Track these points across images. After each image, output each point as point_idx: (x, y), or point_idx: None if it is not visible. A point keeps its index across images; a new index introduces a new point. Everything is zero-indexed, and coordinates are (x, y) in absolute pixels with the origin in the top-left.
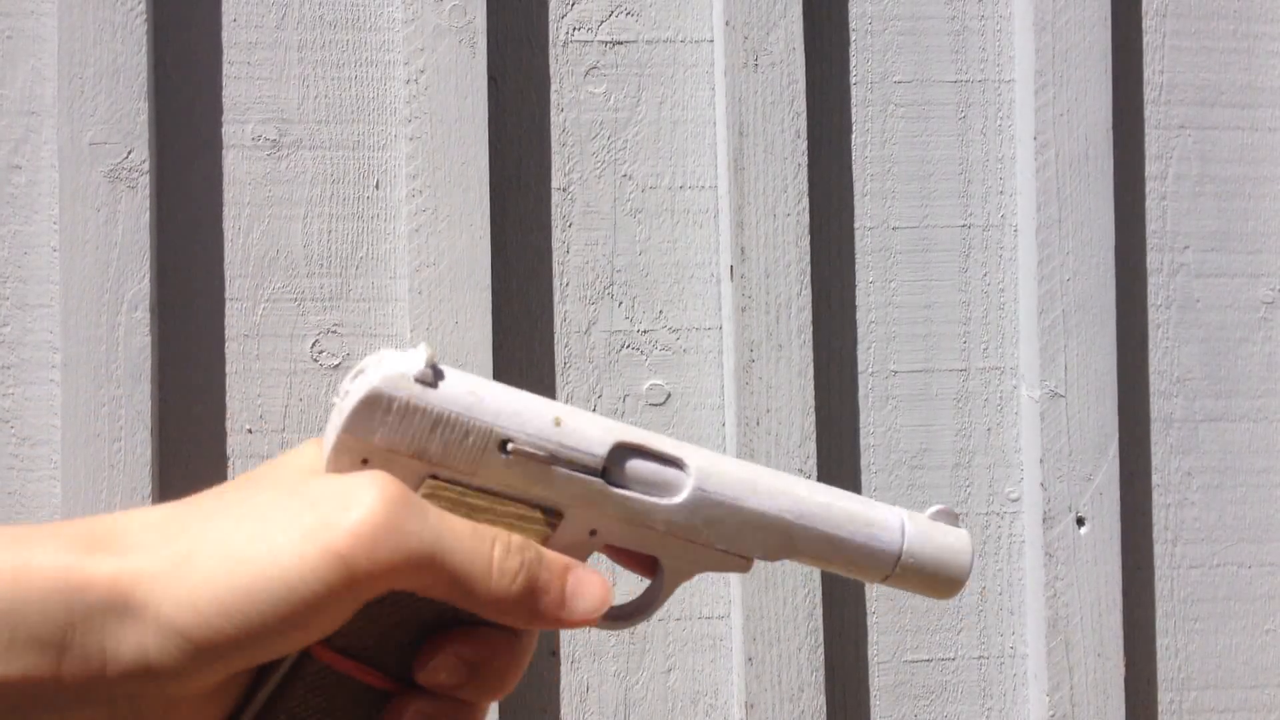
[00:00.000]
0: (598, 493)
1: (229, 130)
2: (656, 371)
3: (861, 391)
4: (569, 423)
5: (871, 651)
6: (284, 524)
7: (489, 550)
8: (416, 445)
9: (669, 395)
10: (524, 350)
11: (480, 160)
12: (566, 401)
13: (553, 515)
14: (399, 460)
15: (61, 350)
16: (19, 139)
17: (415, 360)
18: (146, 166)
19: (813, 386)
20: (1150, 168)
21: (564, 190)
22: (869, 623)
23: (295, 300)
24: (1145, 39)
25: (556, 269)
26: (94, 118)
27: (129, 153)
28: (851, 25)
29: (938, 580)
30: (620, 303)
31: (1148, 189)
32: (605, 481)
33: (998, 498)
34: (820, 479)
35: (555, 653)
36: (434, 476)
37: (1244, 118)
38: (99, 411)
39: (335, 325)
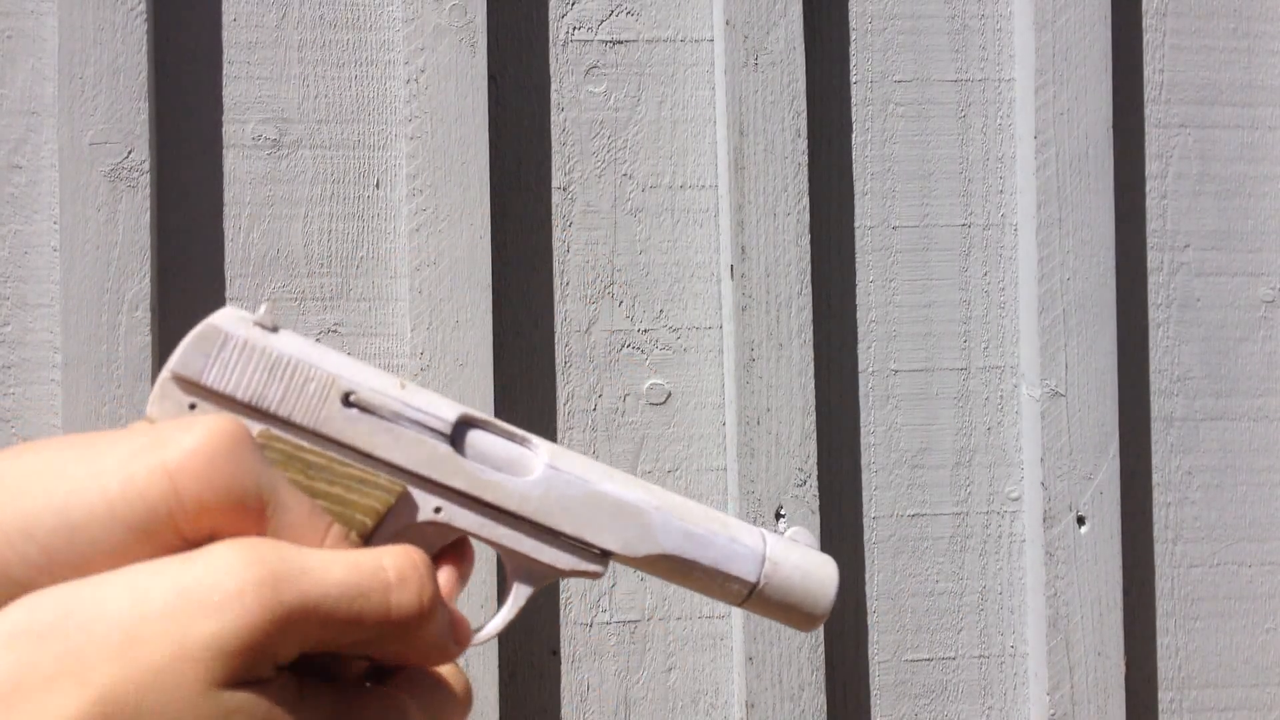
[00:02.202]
0: (446, 459)
1: (229, 130)
2: (657, 371)
3: (862, 391)
4: (413, 388)
5: (872, 650)
6: (111, 447)
7: (321, 531)
8: (252, 390)
9: (669, 394)
10: (524, 350)
11: (480, 160)
12: (566, 402)
13: (396, 482)
14: (231, 410)
15: (62, 350)
16: (19, 139)
17: (256, 313)
18: (147, 166)
19: (813, 386)
20: (1150, 166)
21: (564, 189)
22: (869, 622)
23: (295, 300)
24: (1145, 38)
25: (557, 268)
26: (94, 117)
27: (129, 152)
28: (852, 24)
29: (805, 598)
30: (620, 302)
31: (1148, 188)
32: (454, 451)
33: (998, 497)
34: (820, 478)
35: (555, 652)
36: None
37: (1244, 116)
38: (99, 411)
39: (336, 325)
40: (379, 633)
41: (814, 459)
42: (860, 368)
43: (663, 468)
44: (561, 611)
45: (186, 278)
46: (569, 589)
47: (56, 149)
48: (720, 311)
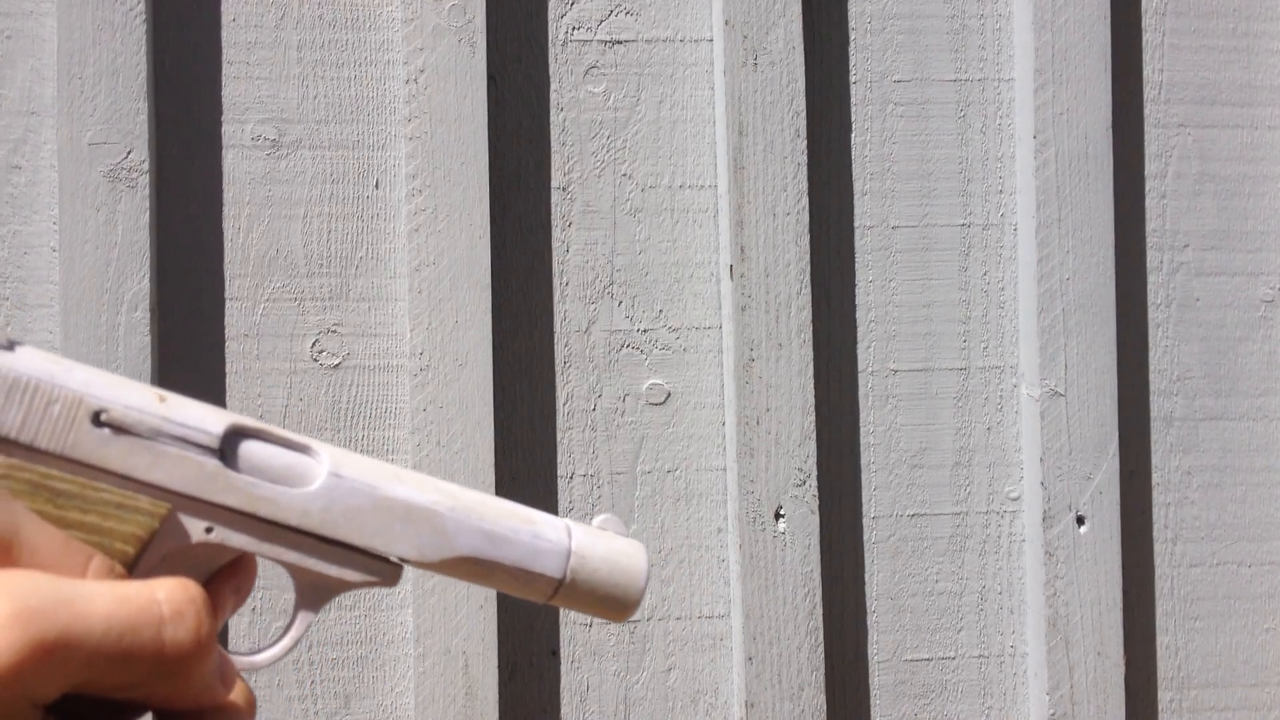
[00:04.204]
0: (214, 475)
1: (228, 130)
2: (656, 371)
3: (861, 390)
4: (175, 401)
5: (871, 650)
6: None
7: (81, 564)
8: None
9: (669, 394)
10: (524, 350)
11: (480, 160)
12: (566, 402)
13: (159, 504)
14: None
15: (61, 350)
16: (18, 139)
17: None
18: (146, 166)
19: (813, 385)
20: (1150, 166)
21: (563, 190)
22: (869, 621)
23: (295, 300)
24: (1145, 37)
25: (556, 268)
26: (93, 118)
27: (128, 152)
28: (851, 24)
29: (615, 590)
30: (620, 302)
31: (1147, 188)
32: (223, 465)
33: (998, 497)
34: (820, 478)
35: (555, 652)
36: (6, 455)
37: (1243, 116)
38: None
39: (335, 325)
40: (150, 671)
41: (813, 459)
42: (860, 367)
43: (662, 468)
44: (561, 612)
45: (186, 278)
46: None
47: (56, 149)
48: (720, 311)
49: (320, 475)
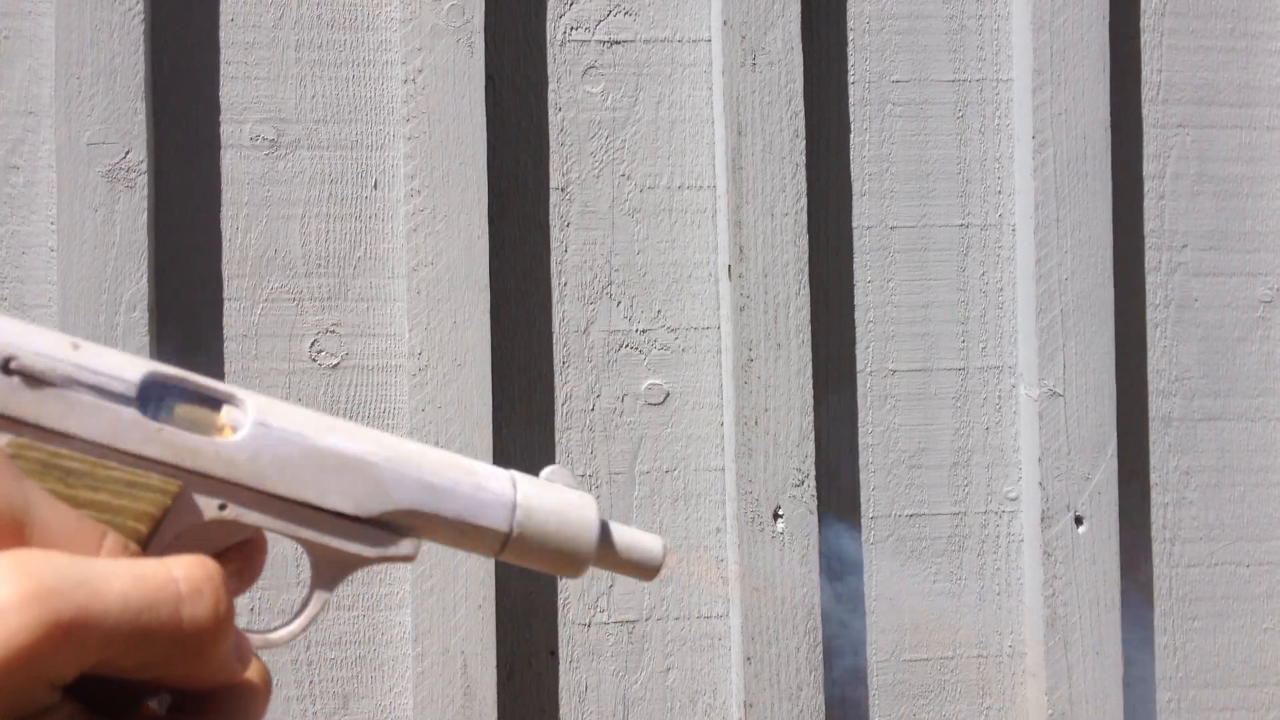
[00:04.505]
0: (132, 426)
1: (227, 130)
2: (655, 371)
3: (860, 391)
4: (90, 349)
5: (870, 650)
6: None
7: (95, 542)
8: None
9: (668, 394)
10: (522, 350)
11: (478, 160)
12: (565, 403)
13: (170, 482)
14: None
15: None
16: (16, 139)
17: None
18: (144, 166)
19: (811, 386)
20: (1148, 167)
21: (562, 190)
22: (868, 622)
23: (293, 300)
24: (1143, 38)
25: (555, 269)
26: (91, 118)
27: (127, 153)
28: (849, 24)
29: (563, 542)
30: (619, 302)
31: (1146, 188)
32: (141, 414)
33: (996, 497)
34: (818, 478)
35: (554, 652)
36: (15, 435)
37: (1242, 116)
38: None
39: (334, 325)
40: (168, 651)
41: (812, 459)
42: (858, 368)
43: (661, 468)
44: (560, 612)
45: (184, 278)
46: (567, 589)
47: (54, 149)
48: (718, 312)
49: (246, 424)
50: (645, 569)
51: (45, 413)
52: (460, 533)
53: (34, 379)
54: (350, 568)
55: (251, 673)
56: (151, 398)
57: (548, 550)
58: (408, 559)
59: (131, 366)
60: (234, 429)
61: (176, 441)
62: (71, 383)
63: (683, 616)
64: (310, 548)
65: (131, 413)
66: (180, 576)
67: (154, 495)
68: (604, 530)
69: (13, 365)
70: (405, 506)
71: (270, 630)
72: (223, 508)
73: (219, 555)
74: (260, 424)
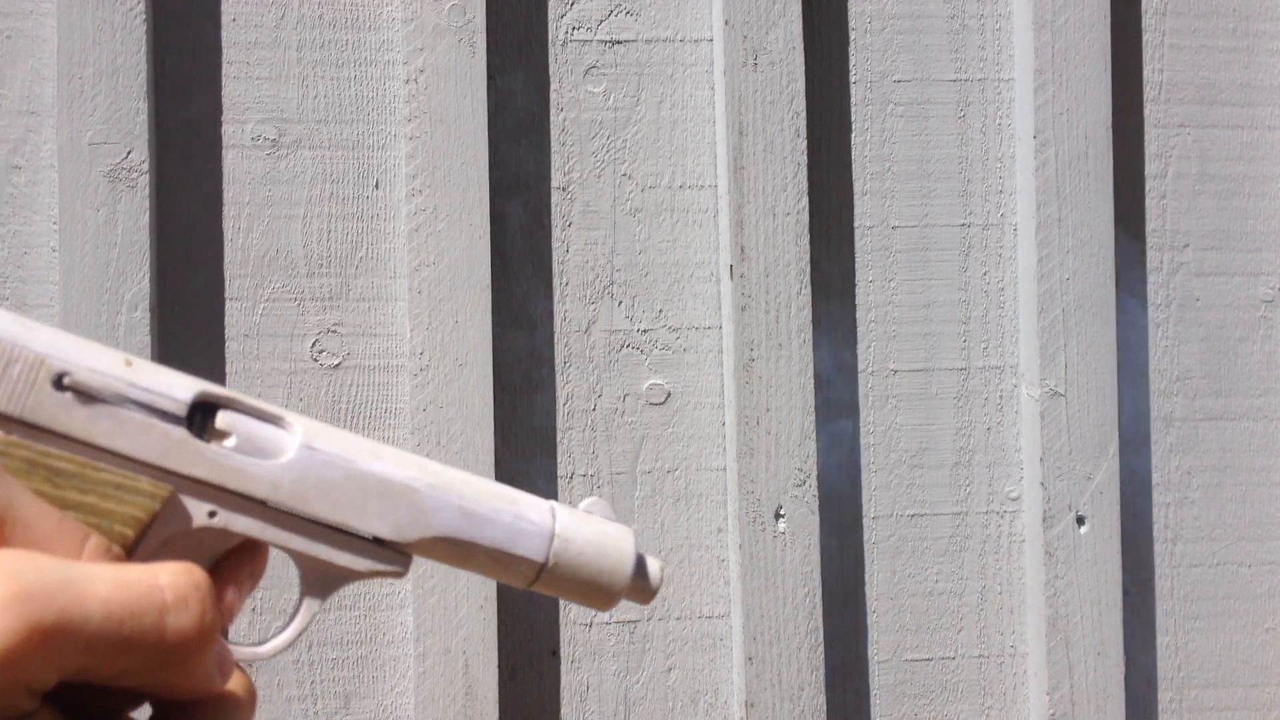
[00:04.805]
0: (180, 444)
1: (228, 130)
2: (656, 371)
3: (861, 391)
4: (143, 367)
5: (872, 650)
6: None
7: (77, 545)
8: None
9: (669, 394)
10: (524, 350)
11: (480, 160)
12: (566, 403)
13: (161, 485)
14: None
15: None
16: (18, 139)
17: None
18: (146, 166)
19: (813, 386)
20: (1150, 166)
21: (563, 189)
22: (869, 622)
23: (295, 300)
24: (1145, 37)
25: (556, 268)
26: (93, 118)
27: (128, 152)
28: (851, 24)
29: (600, 575)
30: (620, 302)
31: (1147, 188)
32: (190, 434)
33: (998, 497)
34: (820, 478)
35: (555, 652)
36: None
37: (1243, 116)
38: None
39: (335, 325)
40: (150, 660)
41: (813, 459)
42: (860, 368)
43: (662, 468)
44: (561, 611)
45: (186, 278)
46: None
47: (56, 149)
48: (720, 311)
49: (292, 447)
50: (653, 594)
51: (94, 431)
52: (495, 561)
53: (86, 394)
54: (341, 581)
55: (236, 686)
56: (201, 417)
57: (581, 582)
58: (398, 574)
59: (183, 386)
60: (224, 435)
61: (224, 462)
62: (123, 400)
63: (684, 616)
64: (300, 559)
65: (181, 432)
66: (166, 584)
67: (142, 500)
68: (639, 564)
69: (66, 381)
70: (444, 533)
71: (258, 644)
72: (213, 515)
73: (218, 563)
74: (308, 448)
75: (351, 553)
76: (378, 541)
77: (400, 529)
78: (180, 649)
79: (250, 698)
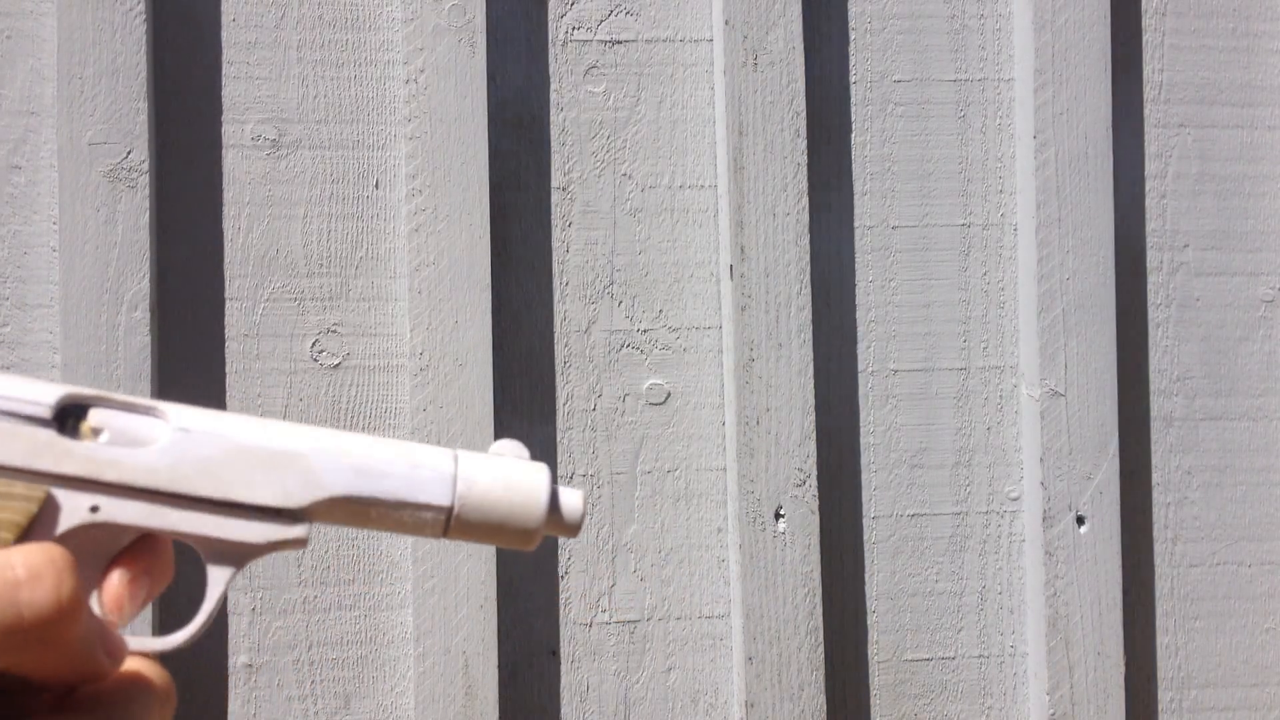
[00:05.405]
0: (49, 445)
1: (228, 130)
2: (656, 371)
3: (861, 390)
4: (6, 377)
5: (871, 650)
6: None
7: None
8: None
9: (669, 394)
10: (523, 350)
11: (479, 160)
12: (566, 403)
13: (37, 488)
14: None
15: (61, 350)
16: (18, 139)
17: None
18: (146, 166)
19: (813, 385)
20: (1150, 166)
21: (563, 190)
22: (869, 621)
23: (295, 300)
24: (1145, 37)
25: (556, 268)
26: (93, 118)
27: (128, 153)
28: (851, 24)
29: (514, 512)
30: (620, 302)
31: (1147, 187)
32: (58, 434)
33: (998, 496)
34: (819, 478)
35: (555, 652)
36: None
37: (1243, 116)
38: None
39: (335, 325)
40: (11, 639)
41: (813, 459)
42: (860, 367)
43: (662, 468)
44: (561, 611)
45: (186, 278)
46: (569, 589)
47: (56, 149)
48: (720, 311)
49: (166, 433)
50: (576, 527)
51: None
52: (399, 512)
53: None
54: (242, 557)
55: (149, 673)
56: (69, 418)
57: (494, 522)
58: (299, 543)
59: (46, 391)
60: (97, 432)
61: (96, 456)
62: None
63: (684, 616)
64: (192, 540)
65: (48, 433)
66: (18, 563)
67: (18, 504)
68: (553, 497)
69: None
70: (340, 493)
71: (167, 635)
72: (94, 510)
73: (121, 556)
74: (182, 430)
75: (242, 525)
76: (272, 512)
77: (290, 495)
78: (38, 625)
79: (165, 686)
